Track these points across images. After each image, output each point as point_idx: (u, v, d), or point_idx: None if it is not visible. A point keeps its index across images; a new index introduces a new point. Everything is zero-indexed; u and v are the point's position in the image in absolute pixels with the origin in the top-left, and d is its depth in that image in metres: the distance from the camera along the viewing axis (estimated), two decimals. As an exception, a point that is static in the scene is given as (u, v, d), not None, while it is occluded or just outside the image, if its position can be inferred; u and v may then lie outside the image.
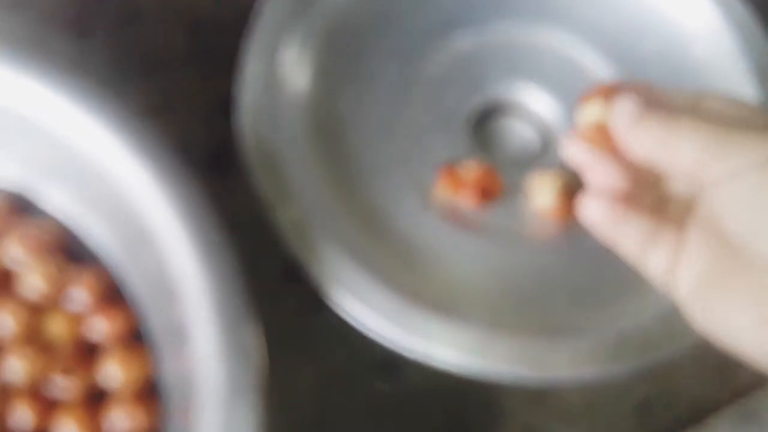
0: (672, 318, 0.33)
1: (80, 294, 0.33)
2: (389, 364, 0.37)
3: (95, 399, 0.32)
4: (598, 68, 0.41)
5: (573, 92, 0.40)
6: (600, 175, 0.29)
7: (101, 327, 0.33)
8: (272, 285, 0.38)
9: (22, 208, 0.35)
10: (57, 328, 0.33)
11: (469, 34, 0.41)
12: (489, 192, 0.37)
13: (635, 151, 0.27)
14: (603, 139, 0.28)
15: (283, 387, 0.36)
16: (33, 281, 0.33)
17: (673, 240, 0.27)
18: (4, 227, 0.34)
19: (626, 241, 0.28)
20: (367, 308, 0.33)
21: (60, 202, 0.35)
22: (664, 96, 0.27)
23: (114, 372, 0.32)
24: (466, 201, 0.37)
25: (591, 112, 0.29)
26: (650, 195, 0.28)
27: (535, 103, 0.41)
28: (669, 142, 0.25)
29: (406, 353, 0.33)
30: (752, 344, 0.24)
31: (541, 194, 0.37)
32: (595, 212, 0.28)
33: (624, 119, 0.27)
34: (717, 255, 0.25)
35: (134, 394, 0.32)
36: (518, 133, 0.40)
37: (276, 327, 0.36)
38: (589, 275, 0.36)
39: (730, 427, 0.38)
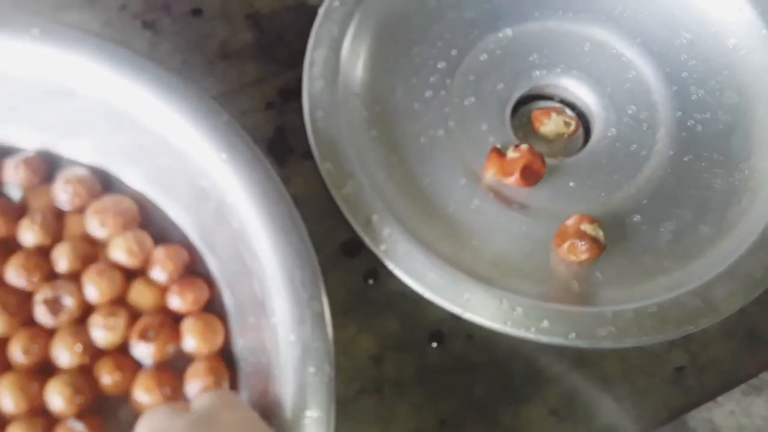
0: (706, 293, 0.36)
1: (161, 267, 0.36)
2: (439, 333, 0.39)
3: (174, 364, 0.35)
4: (635, 57, 0.43)
5: (611, 80, 0.43)
6: None
7: (180, 298, 0.35)
8: (333, 259, 0.40)
9: (106, 185, 0.38)
10: (142, 296, 0.35)
11: (513, 26, 0.44)
12: (534, 174, 0.39)
13: None
14: None
15: (344, 353, 0.39)
16: (117, 253, 0.36)
17: None
18: (88, 201, 0.37)
19: None
20: (420, 280, 0.35)
21: (140, 182, 0.38)
22: None
23: (192, 339, 0.34)
24: (512, 182, 0.39)
25: None
26: None
27: (575, 90, 0.43)
28: None
29: (454, 323, 0.35)
30: None
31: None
32: None
33: None
34: None
35: (210, 362, 0.34)
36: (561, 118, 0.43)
37: (337, 297, 0.39)
38: (630, 252, 0.38)
39: (738, 398, 0.39)
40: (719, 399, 0.39)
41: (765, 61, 0.42)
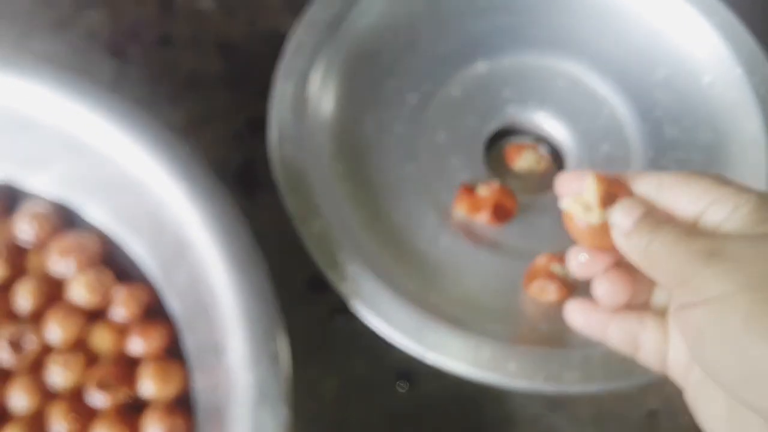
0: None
1: (122, 308, 0.35)
2: (407, 373, 0.38)
3: (132, 410, 0.33)
4: (609, 94, 0.43)
5: (584, 117, 0.42)
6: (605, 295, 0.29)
7: (141, 341, 0.34)
8: (298, 296, 0.39)
9: (67, 220, 0.37)
10: (101, 339, 0.34)
11: (487, 61, 0.43)
12: (505, 211, 0.39)
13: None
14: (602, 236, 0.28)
15: (308, 394, 0.38)
16: (79, 291, 0.35)
17: (658, 330, 0.28)
18: (49, 238, 0.36)
19: (615, 337, 0.29)
20: (387, 320, 0.34)
21: (102, 216, 0.37)
22: (629, 181, 0.28)
23: (150, 385, 0.33)
24: (483, 220, 0.38)
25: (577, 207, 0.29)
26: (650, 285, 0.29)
27: (548, 126, 0.43)
28: (647, 264, 0.26)
29: (423, 362, 0.34)
30: None
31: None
32: (577, 318, 0.30)
33: (615, 232, 0.27)
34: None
35: (169, 407, 0.33)
36: (533, 154, 0.42)
37: (301, 336, 0.38)
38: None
39: None
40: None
41: (739, 99, 0.42)
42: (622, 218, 0.27)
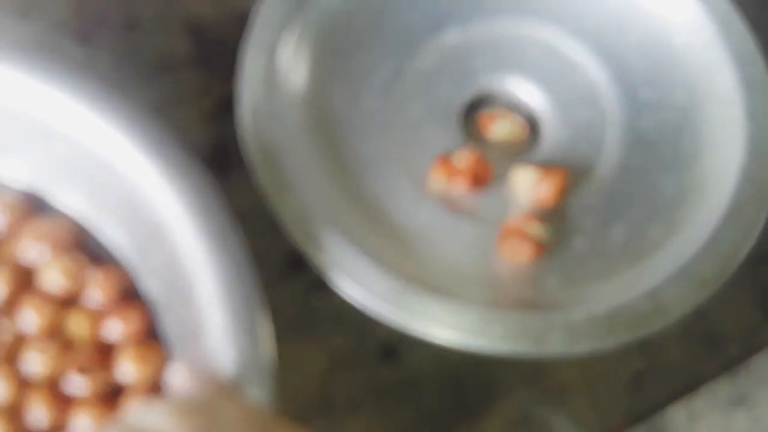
0: (659, 293, 0.35)
1: (97, 292, 0.34)
2: (390, 347, 0.38)
3: (111, 395, 0.33)
4: (583, 59, 0.43)
5: (559, 83, 0.42)
6: None
7: (117, 325, 0.34)
8: (277, 273, 0.39)
9: (37, 207, 0.36)
10: (77, 325, 0.34)
11: (458, 29, 0.43)
12: (480, 178, 0.38)
13: None
14: None
15: (291, 370, 0.38)
16: (53, 277, 0.34)
17: None
18: (20, 226, 0.35)
19: None
20: (368, 292, 0.34)
21: (74, 202, 0.36)
22: None
23: (129, 369, 0.33)
24: (459, 187, 0.38)
25: None
26: None
27: (522, 94, 0.42)
28: None
29: (406, 333, 0.34)
30: None
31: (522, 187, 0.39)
32: None
33: None
34: None
35: (149, 390, 0.33)
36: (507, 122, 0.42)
37: (283, 313, 0.38)
38: (579, 253, 0.37)
39: (720, 410, 0.39)
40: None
41: (713, 60, 0.42)
42: None
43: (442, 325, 0.34)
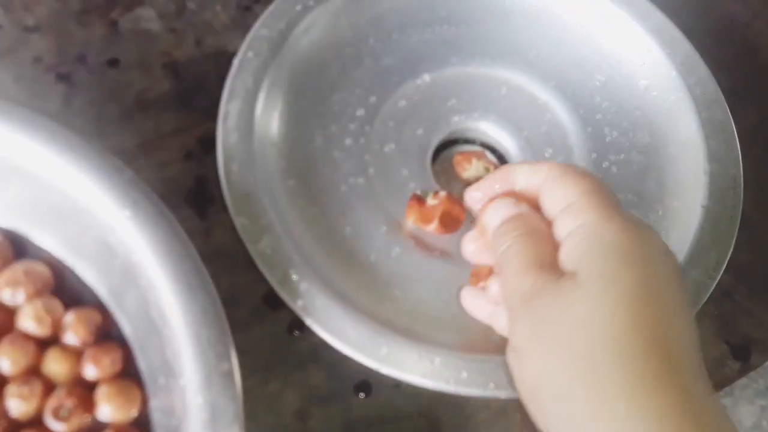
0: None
1: (74, 333, 0.35)
2: (366, 383, 0.39)
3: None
4: (551, 101, 0.44)
5: (528, 124, 0.43)
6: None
7: (94, 365, 0.34)
8: (256, 312, 0.40)
9: (18, 246, 0.37)
10: (56, 365, 0.34)
11: (431, 72, 0.44)
12: (453, 220, 0.39)
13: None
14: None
15: (267, 409, 0.38)
16: (27, 322, 0.34)
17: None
18: (2, 266, 0.35)
19: (496, 325, 0.33)
20: (340, 336, 0.35)
21: (49, 244, 0.37)
22: (517, 176, 0.31)
23: (106, 409, 0.33)
24: (432, 229, 0.39)
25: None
26: None
27: (493, 134, 0.44)
28: (499, 264, 0.30)
29: (381, 372, 0.35)
30: None
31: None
32: (468, 302, 0.36)
33: (488, 230, 0.32)
34: None
35: (126, 429, 0.33)
36: (481, 162, 0.43)
37: (259, 352, 0.39)
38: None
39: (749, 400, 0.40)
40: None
41: (675, 102, 0.43)
42: (491, 217, 0.28)
43: (412, 371, 0.35)
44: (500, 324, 0.33)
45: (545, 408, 0.27)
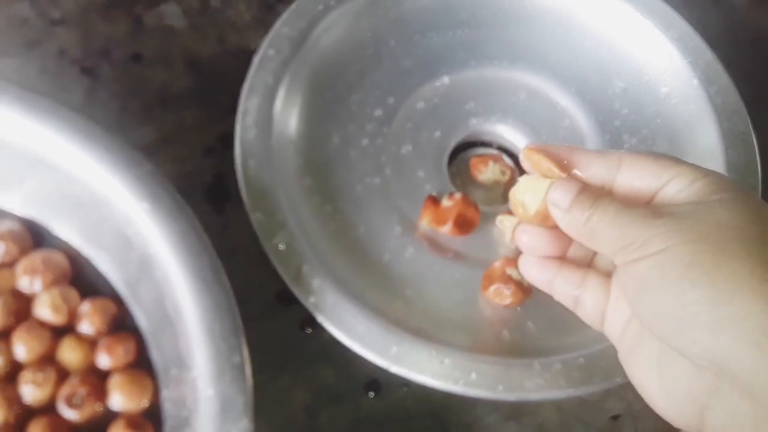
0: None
1: (89, 322, 0.35)
2: (376, 381, 0.39)
3: (102, 420, 0.34)
4: (569, 106, 0.44)
5: (546, 128, 0.43)
6: (536, 246, 0.31)
7: (107, 354, 0.35)
8: (268, 308, 0.40)
9: (37, 236, 0.37)
10: (71, 353, 0.35)
11: (450, 74, 0.44)
12: (468, 222, 0.39)
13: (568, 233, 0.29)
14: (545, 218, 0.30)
15: (277, 405, 0.38)
16: (44, 310, 0.35)
17: (599, 288, 0.29)
18: (20, 255, 0.36)
19: (559, 289, 0.30)
20: (351, 334, 0.35)
21: (68, 235, 0.37)
22: (584, 160, 0.29)
23: (118, 398, 0.34)
24: (446, 231, 0.39)
25: (523, 189, 0.30)
26: (582, 249, 0.31)
27: (511, 138, 0.43)
28: (587, 236, 0.27)
29: (390, 371, 0.35)
30: (660, 406, 0.26)
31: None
32: (529, 270, 0.31)
33: (554, 210, 0.28)
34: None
35: (137, 419, 0.34)
36: (498, 165, 0.43)
37: (271, 348, 0.39)
38: (558, 304, 0.38)
39: None
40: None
41: (695, 110, 0.43)
42: (560, 196, 0.28)
43: (421, 371, 0.34)
44: (559, 291, 0.30)
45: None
